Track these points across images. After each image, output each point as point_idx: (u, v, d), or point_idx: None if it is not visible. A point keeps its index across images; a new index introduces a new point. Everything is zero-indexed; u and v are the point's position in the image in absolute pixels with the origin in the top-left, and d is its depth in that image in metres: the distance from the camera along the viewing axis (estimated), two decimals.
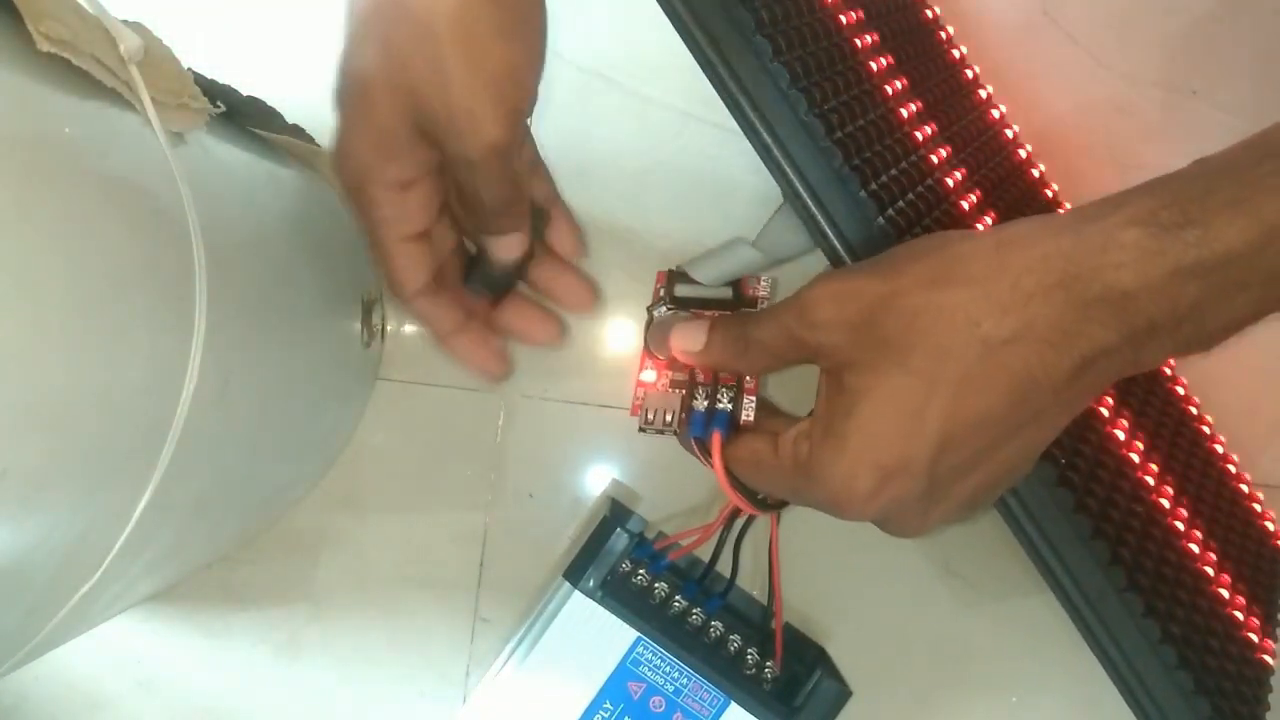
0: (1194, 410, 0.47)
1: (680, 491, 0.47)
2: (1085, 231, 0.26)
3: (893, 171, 0.36)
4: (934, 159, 0.39)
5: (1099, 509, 0.36)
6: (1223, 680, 0.37)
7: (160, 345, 0.27)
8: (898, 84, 0.40)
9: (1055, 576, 0.35)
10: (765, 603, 0.45)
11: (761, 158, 0.33)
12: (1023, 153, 0.46)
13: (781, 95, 0.33)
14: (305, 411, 0.42)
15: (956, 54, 0.46)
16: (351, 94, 0.30)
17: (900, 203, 0.35)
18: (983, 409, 0.27)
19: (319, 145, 0.44)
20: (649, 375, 0.35)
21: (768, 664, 0.43)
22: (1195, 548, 0.41)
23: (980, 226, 0.39)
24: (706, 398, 0.34)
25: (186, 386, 0.27)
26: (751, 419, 0.34)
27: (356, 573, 0.48)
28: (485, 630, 0.47)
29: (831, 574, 0.46)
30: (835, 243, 0.33)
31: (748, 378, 0.34)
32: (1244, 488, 0.47)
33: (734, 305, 0.36)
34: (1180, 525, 0.41)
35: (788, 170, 0.33)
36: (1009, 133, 0.46)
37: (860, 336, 0.28)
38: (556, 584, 0.44)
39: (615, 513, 0.45)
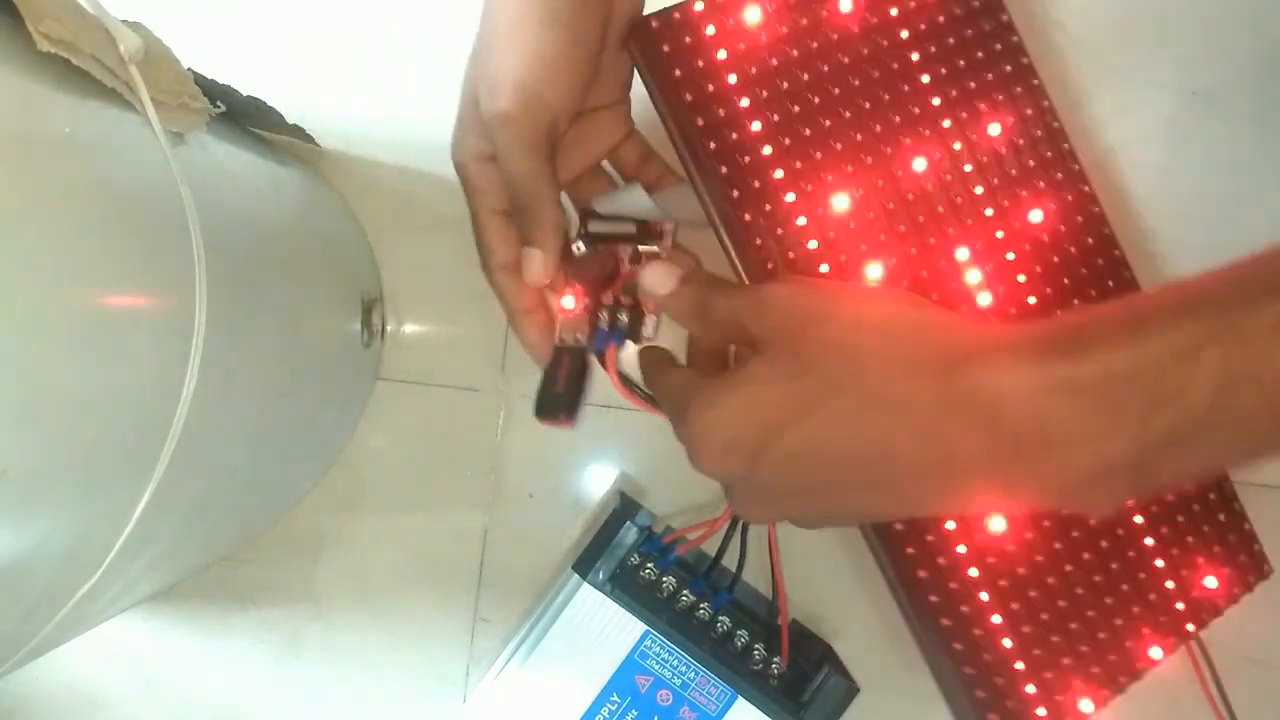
0: None
1: (688, 487, 0.47)
2: (986, 334, 0.28)
3: None
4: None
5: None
6: None
7: (160, 345, 0.27)
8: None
9: None
10: (772, 599, 0.45)
11: None
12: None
13: None
14: (305, 411, 0.42)
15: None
16: (464, 87, 0.35)
17: None
18: (835, 452, 0.28)
19: (319, 145, 0.44)
20: (569, 302, 0.39)
21: (775, 659, 0.43)
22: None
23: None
24: (609, 316, 0.38)
25: (186, 386, 0.27)
26: (654, 335, 0.38)
27: (356, 573, 0.48)
28: (485, 630, 0.47)
29: (838, 573, 0.46)
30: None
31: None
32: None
33: (639, 238, 0.39)
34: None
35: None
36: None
37: (788, 340, 0.30)
38: (565, 576, 0.44)
39: (624, 506, 0.45)
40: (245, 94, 0.37)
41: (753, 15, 0.40)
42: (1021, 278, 0.42)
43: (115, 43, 0.27)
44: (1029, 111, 0.43)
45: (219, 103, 0.34)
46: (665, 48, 0.39)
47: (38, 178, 0.23)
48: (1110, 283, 0.44)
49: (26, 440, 0.22)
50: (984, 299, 0.41)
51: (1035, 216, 0.42)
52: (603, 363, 0.39)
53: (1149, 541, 0.42)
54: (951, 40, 0.42)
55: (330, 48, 0.47)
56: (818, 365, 0.29)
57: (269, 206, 0.38)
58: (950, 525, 0.42)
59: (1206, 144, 0.46)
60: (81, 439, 0.24)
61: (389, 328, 0.48)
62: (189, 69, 0.33)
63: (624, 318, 0.38)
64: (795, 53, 0.41)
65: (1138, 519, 0.42)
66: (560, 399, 0.38)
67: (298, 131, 0.42)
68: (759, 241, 0.38)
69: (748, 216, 0.39)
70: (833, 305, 0.30)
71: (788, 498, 0.31)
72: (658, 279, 0.35)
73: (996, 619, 0.41)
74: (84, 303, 0.24)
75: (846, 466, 0.28)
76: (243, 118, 0.39)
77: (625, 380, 0.39)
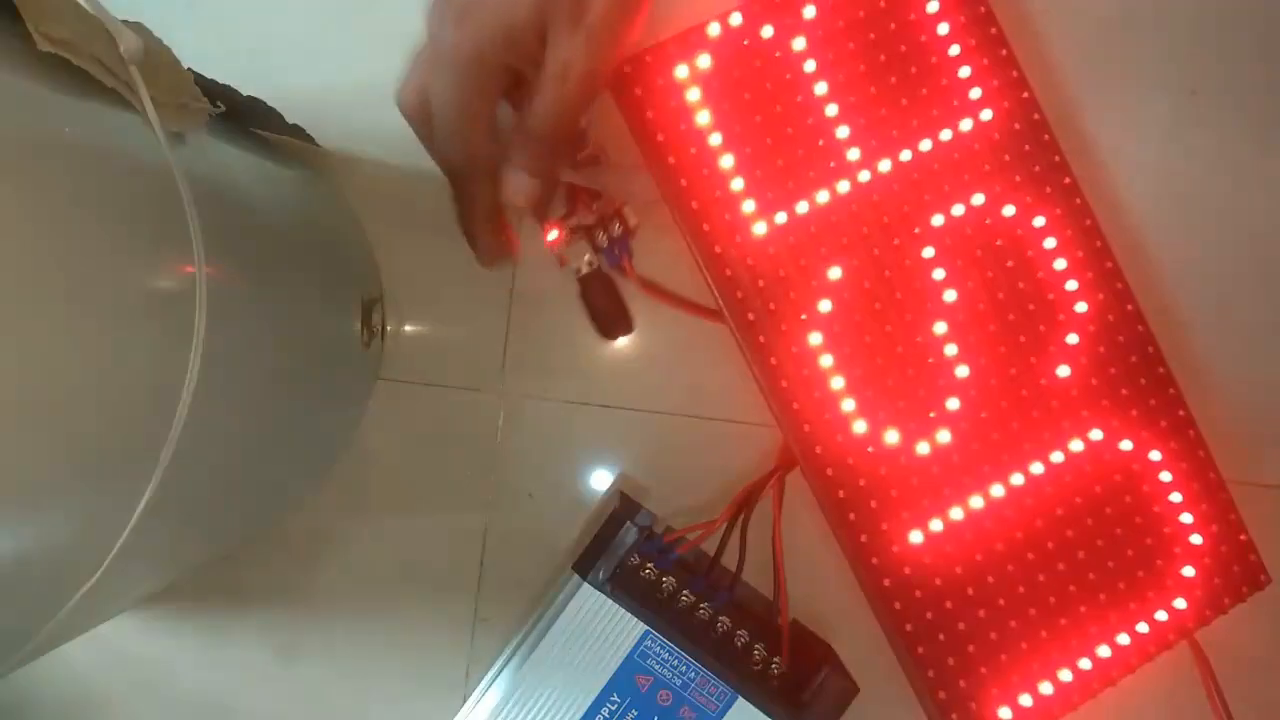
0: None
1: (688, 487, 0.47)
2: None
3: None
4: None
5: None
6: None
7: (160, 345, 0.27)
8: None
9: None
10: (773, 598, 0.45)
11: None
12: None
13: None
14: (305, 411, 0.42)
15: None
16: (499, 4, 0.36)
17: None
18: None
19: (319, 145, 0.44)
20: (553, 235, 0.43)
21: (775, 659, 0.43)
22: None
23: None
24: (605, 232, 0.43)
25: (187, 387, 0.27)
26: (639, 222, 0.43)
27: (356, 573, 0.48)
28: (485, 630, 0.47)
29: (840, 572, 0.46)
30: None
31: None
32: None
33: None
34: None
35: None
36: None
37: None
38: (565, 577, 0.44)
39: (624, 506, 0.45)
40: (245, 94, 0.37)
41: (724, 53, 0.41)
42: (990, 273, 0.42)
43: (115, 43, 0.27)
44: (1006, 105, 0.43)
45: (219, 103, 0.34)
46: (637, 90, 0.40)
47: (36, 178, 0.23)
48: (1093, 276, 0.44)
49: (28, 439, 0.22)
50: (949, 295, 0.42)
51: (1008, 211, 0.43)
52: (625, 273, 0.44)
53: (1129, 553, 0.42)
54: (934, 59, 0.42)
55: (331, 48, 0.47)
56: None
57: (269, 207, 0.38)
58: (919, 538, 0.42)
59: (1206, 144, 0.46)
60: (81, 439, 0.24)
61: (389, 328, 0.48)
62: (189, 69, 0.33)
63: (616, 229, 0.43)
64: (768, 85, 0.41)
65: (1118, 531, 0.42)
66: (614, 318, 0.45)
67: (298, 131, 0.42)
68: (729, 272, 0.41)
69: (718, 249, 0.40)
70: None
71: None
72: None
73: (962, 625, 0.41)
74: (83, 303, 0.24)
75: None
76: (243, 118, 0.39)
77: (647, 282, 0.45)
